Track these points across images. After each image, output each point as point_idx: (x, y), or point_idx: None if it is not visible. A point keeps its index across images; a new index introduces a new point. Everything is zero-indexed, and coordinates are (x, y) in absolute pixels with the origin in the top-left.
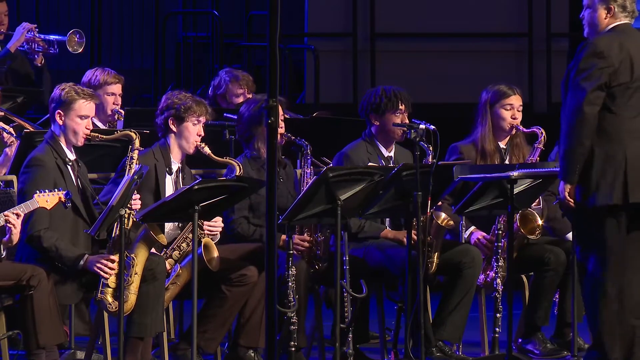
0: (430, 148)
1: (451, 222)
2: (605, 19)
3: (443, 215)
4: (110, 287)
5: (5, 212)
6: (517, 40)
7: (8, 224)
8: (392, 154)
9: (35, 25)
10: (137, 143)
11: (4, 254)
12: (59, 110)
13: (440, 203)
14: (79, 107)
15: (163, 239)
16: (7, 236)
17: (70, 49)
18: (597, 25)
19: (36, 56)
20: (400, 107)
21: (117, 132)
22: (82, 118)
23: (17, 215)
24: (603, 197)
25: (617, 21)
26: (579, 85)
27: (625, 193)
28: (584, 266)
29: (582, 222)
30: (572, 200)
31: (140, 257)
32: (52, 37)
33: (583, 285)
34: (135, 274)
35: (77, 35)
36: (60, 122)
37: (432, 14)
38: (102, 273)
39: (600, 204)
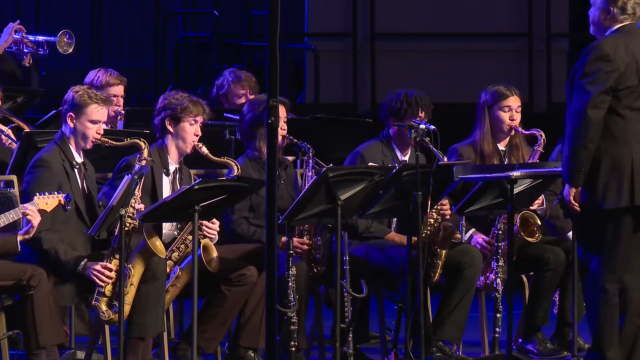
0: (445, 158)
1: (458, 235)
2: (604, 20)
3: (457, 232)
4: (105, 296)
5: (23, 205)
6: (517, 40)
7: (28, 216)
8: (407, 157)
9: (22, 27)
10: (145, 152)
11: (19, 248)
12: (71, 113)
13: (447, 217)
14: (90, 112)
15: (161, 250)
16: (25, 228)
17: (60, 50)
18: (599, 24)
19: (24, 57)
20: (420, 114)
21: (127, 140)
22: (93, 123)
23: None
24: (611, 201)
25: (618, 23)
26: (584, 89)
27: (632, 196)
28: (586, 266)
29: (586, 223)
30: (577, 205)
31: (137, 269)
32: (41, 37)
33: (584, 285)
34: (131, 284)
35: (67, 36)
36: (71, 125)
37: (432, 14)
38: (98, 281)
39: (609, 208)
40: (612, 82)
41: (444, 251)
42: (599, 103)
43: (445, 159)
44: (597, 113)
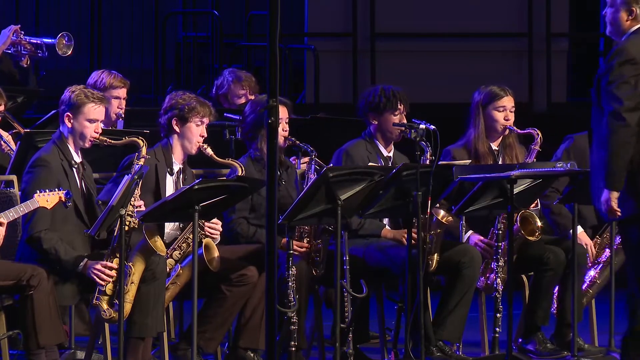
0: (429, 147)
1: (450, 218)
2: (627, 20)
3: (442, 212)
4: (106, 295)
5: None
6: (517, 40)
7: None
8: (391, 154)
9: (20, 26)
10: (143, 150)
11: None
12: (68, 113)
13: (437, 205)
14: (88, 111)
15: (162, 249)
16: None
17: (59, 52)
18: (618, 25)
19: (22, 58)
20: (399, 107)
21: (125, 138)
22: (90, 122)
23: (1, 223)
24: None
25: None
26: (614, 95)
27: None
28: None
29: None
30: (618, 210)
31: (137, 267)
32: (39, 40)
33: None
34: (132, 282)
35: (66, 38)
36: (69, 125)
37: (432, 14)
38: (98, 280)
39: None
40: None
41: (436, 235)
42: (633, 105)
43: (430, 148)
44: (633, 116)
